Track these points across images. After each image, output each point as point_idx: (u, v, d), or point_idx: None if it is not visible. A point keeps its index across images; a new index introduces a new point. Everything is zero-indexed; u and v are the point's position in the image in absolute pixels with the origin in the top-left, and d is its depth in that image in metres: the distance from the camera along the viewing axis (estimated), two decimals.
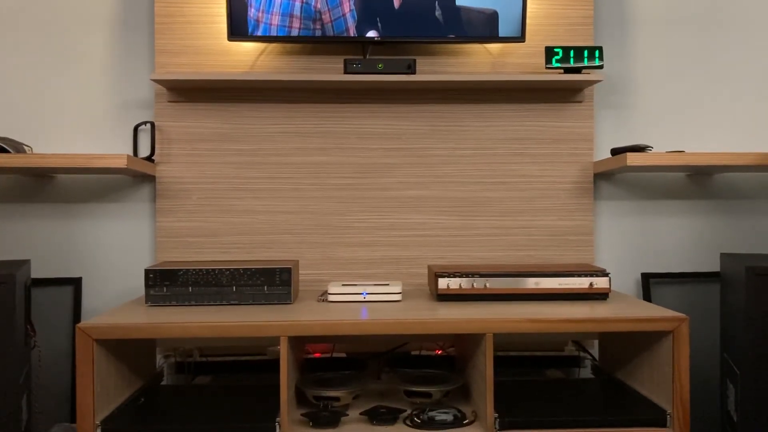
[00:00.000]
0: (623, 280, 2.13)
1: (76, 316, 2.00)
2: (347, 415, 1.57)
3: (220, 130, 2.03)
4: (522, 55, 2.06)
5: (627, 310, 1.57)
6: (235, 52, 2.02)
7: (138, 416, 1.53)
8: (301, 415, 1.56)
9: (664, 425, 1.50)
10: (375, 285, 1.75)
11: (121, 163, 1.72)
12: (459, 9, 1.92)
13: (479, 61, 2.05)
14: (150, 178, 2.06)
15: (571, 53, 1.93)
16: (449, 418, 1.52)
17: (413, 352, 2.03)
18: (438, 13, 1.92)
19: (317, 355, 2.01)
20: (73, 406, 1.99)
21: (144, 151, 2.05)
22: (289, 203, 2.04)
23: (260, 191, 2.03)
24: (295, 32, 1.91)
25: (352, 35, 1.91)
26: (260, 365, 2.02)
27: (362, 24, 1.91)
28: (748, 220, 2.14)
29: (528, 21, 2.05)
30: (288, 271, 1.69)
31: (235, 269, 1.68)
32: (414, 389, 1.63)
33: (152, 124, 2.01)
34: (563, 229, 2.06)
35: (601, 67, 1.93)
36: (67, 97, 2.05)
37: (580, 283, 1.71)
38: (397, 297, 1.73)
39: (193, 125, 2.02)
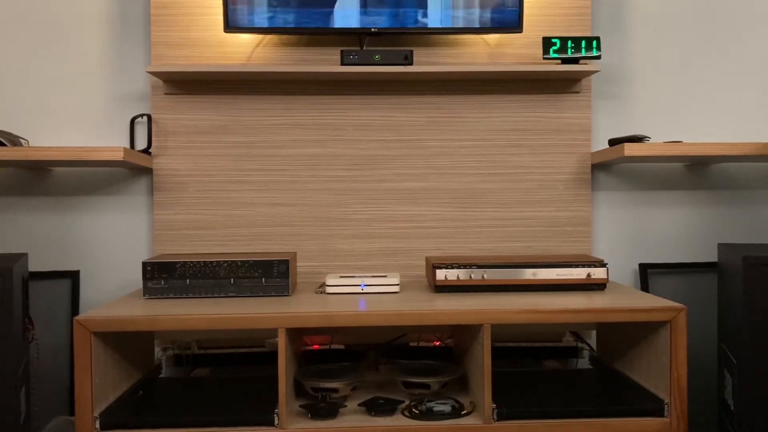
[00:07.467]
0: (621, 270, 2.13)
1: (74, 309, 2.00)
2: (345, 406, 1.57)
3: (216, 122, 2.02)
4: (519, 46, 2.05)
5: (624, 300, 1.58)
6: (231, 44, 2.02)
7: (136, 408, 1.53)
8: (300, 406, 1.56)
9: (661, 415, 1.50)
10: (373, 276, 1.75)
11: (118, 156, 1.71)
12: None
13: (476, 51, 2.04)
14: (147, 171, 2.06)
15: (569, 44, 1.93)
16: (447, 408, 1.53)
17: (411, 344, 2.03)
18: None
19: (315, 346, 2.01)
20: (72, 399, 1.99)
21: (141, 143, 2.04)
22: (286, 195, 2.03)
23: (257, 183, 2.03)
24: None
25: (351, 26, 1.91)
26: (258, 357, 2.02)
27: (360, 15, 1.91)
28: (745, 210, 2.14)
29: (525, 11, 2.04)
30: (285, 263, 1.69)
31: (232, 261, 1.68)
32: (412, 380, 1.63)
33: (149, 117, 2.00)
34: (561, 220, 2.06)
35: (598, 57, 1.93)
36: (64, 90, 2.04)
37: (578, 273, 1.71)
38: (395, 288, 1.73)
39: (189, 117, 2.02)
